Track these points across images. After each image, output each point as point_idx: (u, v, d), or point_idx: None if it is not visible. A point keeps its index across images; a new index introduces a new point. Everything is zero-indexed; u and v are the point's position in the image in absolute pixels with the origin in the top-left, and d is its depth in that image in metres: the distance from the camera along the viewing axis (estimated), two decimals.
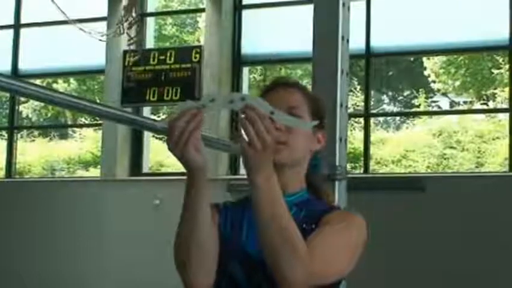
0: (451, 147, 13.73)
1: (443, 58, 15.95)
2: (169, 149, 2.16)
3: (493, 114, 14.31)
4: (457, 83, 16.73)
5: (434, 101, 17.40)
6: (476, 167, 13.38)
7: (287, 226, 2.13)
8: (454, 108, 17.72)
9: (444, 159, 13.67)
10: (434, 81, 16.95)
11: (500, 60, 15.23)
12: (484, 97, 15.96)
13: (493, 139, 13.64)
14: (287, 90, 2.46)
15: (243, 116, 2.08)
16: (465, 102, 17.32)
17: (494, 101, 15.15)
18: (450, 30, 8.85)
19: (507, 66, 10.01)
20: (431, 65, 16.89)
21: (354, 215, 2.40)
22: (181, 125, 2.09)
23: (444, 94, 17.74)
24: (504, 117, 11.19)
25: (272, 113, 2.09)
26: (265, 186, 2.12)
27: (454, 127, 14.03)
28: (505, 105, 11.15)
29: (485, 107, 15.34)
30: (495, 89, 15.16)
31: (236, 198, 2.60)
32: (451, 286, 8.18)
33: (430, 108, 16.43)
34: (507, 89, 9.55)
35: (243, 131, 2.08)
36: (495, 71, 15.73)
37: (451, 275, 8.11)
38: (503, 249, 8.03)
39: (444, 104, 17.84)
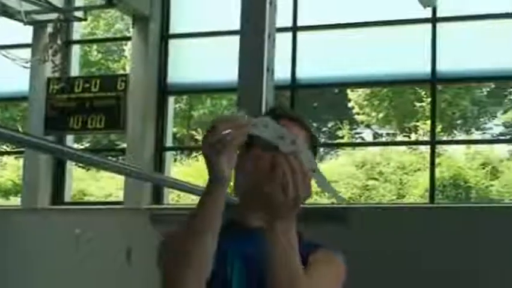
0: (374, 178, 13.90)
1: (367, 90, 16.18)
2: (205, 147, 2.02)
3: (414, 146, 14.55)
4: (380, 115, 16.98)
5: (358, 133, 17.62)
6: (398, 198, 13.56)
7: (297, 277, 2.06)
8: (376, 140, 17.95)
9: (367, 190, 13.82)
10: (358, 113, 17.17)
11: (423, 94, 15.51)
12: (406, 129, 16.22)
13: (414, 171, 13.87)
14: (292, 124, 2.31)
15: (283, 159, 2.01)
16: (388, 134, 17.58)
17: (416, 133, 15.40)
18: (374, 63, 8.97)
19: (429, 100, 10.18)
20: (355, 97, 17.12)
21: (337, 258, 2.35)
22: (225, 128, 1.98)
23: (368, 126, 17.97)
24: (425, 149, 11.39)
25: (314, 171, 2.03)
26: (285, 237, 2.06)
27: (376, 158, 14.22)
28: (426, 138, 11.34)
29: (407, 139, 15.58)
30: (417, 121, 15.42)
31: None
32: None
33: (354, 140, 16.62)
34: (429, 122, 9.72)
35: (279, 173, 2.01)
36: (417, 104, 16.01)
37: None
38: (424, 281, 8.12)
39: (368, 135, 18.07)
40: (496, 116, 20.94)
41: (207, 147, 2.01)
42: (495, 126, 20.76)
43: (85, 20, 10.26)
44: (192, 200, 11.08)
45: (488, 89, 20.19)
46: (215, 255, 2.15)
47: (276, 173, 2.06)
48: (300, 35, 9.13)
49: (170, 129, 9.91)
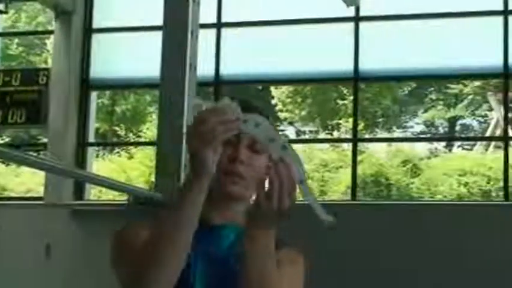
0: None
1: (290, 88, 16.27)
2: (191, 139, 1.92)
3: (337, 144, 14.69)
4: (303, 113, 17.10)
5: (281, 130, 17.71)
6: (320, 195, 13.67)
7: (270, 284, 2.01)
8: (299, 137, 18.07)
9: None
10: (281, 110, 17.27)
11: (345, 92, 15.67)
12: (329, 127, 16.37)
13: (337, 168, 14.00)
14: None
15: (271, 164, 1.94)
16: (310, 132, 17.72)
17: (338, 130, 15.56)
18: (297, 61, 9.02)
19: (351, 98, 10.29)
20: (279, 94, 17.21)
21: (300, 256, 2.29)
22: (216, 121, 1.89)
23: (291, 123, 18.09)
24: (347, 146, 11.50)
25: (301, 182, 1.94)
26: (263, 242, 1.99)
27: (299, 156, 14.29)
28: (349, 135, 11.46)
29: (329, 136, 15.72)
30: (339, 119, 15.58)
31: None
32: None
33: None
34: (351, 120, 9.82)
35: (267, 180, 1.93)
36: (340, 102, 16.17)
37: None
38: (347, 279, 8.20)
39: (291, 132, 18.18)
40: (416, 115, 21.29)
41: (194, 139, 1.91)
42: (416, 125, 21.12)
43: (6, 12, 10.08)
44: (114, 195, 10.99)
45: (410, 88, 20.51)
46: None
47: (235, 167, 2.05)
48: (224, 31, 9.13)
49: (93, 124, 9.80)
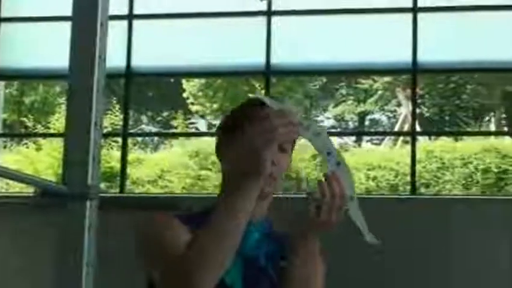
0: (207, 169, 13.98)
1: (202, 81, 16.25)
2: (253, 137, 1.89)
3: None
4: (215, 106, 17.10)
5: (192, 123, 17.69)
6: None
7: None
8: (211, 130, 18.07)
9: (200, 180, 13.89)
10: (192, 103, 17.23)
11: (257, 85, 15.73)
12: None
13: None
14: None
15: (324, 179, 1.92)
16: None
17: None
18: (209, 54, 9.01)
19: (263, 92, 10.32)
20: (190, 87, 17.17)
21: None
22: (280, 123, 1.87)
23: (202, 116, 18.07)
24: None
25: (351, 199, 1.93)
26: (308, 250, 2.04)
27: (210, 149, 14.30)
28: None
29: None
30: None
31: (187, 213, 2.29)
32: None
33: (188, 130, 16.67)
34: None
35: (318, 190, 1.92)
36: (251, 96, 16.22)
37: None
38: None
39: (202, 126, 18.17)
40: (327, 109, 21.52)
41: (256, 137, 1.88)
42: (326, 119, 21.34)
43: None
44: (21, 188, 10.81)
45: (321, 83, 20.72)
46: None
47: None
48: (136, 23, 9.05)
49: (0, 115, 9.62)
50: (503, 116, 19.47)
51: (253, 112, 2.12)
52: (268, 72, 8.93)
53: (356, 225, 1.94)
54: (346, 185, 1.92)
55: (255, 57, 8.88)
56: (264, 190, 2.04)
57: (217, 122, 17.97)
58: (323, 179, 1.95)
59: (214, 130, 17.68)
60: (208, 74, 10.37)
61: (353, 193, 1.93)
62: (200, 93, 17.09)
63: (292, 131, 1.89)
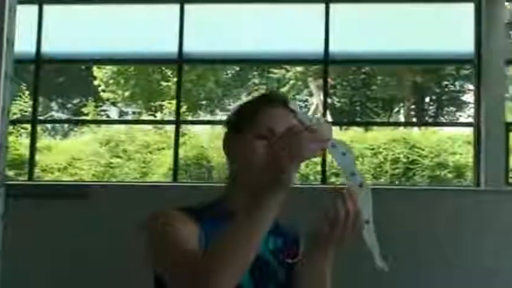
0: (118, 157, 13.87)
1: (114, 68, 16.09)
2: (280, 149, 1.84)
3: (159, 126, 14.65)
4: (126, 94, 16.95)
5: (103, 110, 17.48)
6: (142, 176, 13.62)
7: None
8: (122, 118, 17.92)
9: (111, 168, 13.77)
10: (104, 91, 17.04)
11: (169, 73, 15.65)
12: (152, 108, 16.30)
13: (159, 149, 13.98)
14: (287, 112, 2.16)
15: (344, 192, 1.91)
16: (133, 113, 17.59)
17: (161, 112, 15.52)
18: (121, 41, 8.93)
19: (175, 80, 10.28)
20: (102, 74, 16.98)
21: None
22: (309, 138, 1.83)
23: (114, 104, 17.88)
24: (170, 128, 11.49)
25: (367, 223, 1.91)
26: (318, 265, 2.06)
27: (121, 137, 14.19)
28: (172, 117, 11.45)
29: (152, 118, 15.68)
30: (163, 100, 15.54)
31: (190, 207, 2.28)
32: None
33: (99, 117, 16.48)
34: (174, 102, 9.82)
35: (338, 202, 1.91)
36: (164, 84, 16.13)
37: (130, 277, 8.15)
38: None
39: (113, 113, 17.98)
40: (240, 98, 21.53)
41: (285, 151, 1.83)
42: None
43: None
44: None
45: (233, 72, 20.73)
46: (202, 239, 2.07)
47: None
48: (47, 8, 8.91)
49: None
50: (412, 107, 19.81)
51: (267, 110, 2.12)
52: (180, 60, 8.89)
53: (369, 249, 1.94)
54: (365, 208, 1.92)
55: (167, 45, 8.84)
56: None
57: (129, 110, 17.84)
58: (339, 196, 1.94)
59: (125, 118, 17.57)
60: (120, 61, 10.27)
61: (370, 217, 1.92)
62: (112, 81, 16.92)
63: (320, 148, 1.86)
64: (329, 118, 10.46)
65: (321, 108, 14.43)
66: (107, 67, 15.86)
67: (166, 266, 2.00)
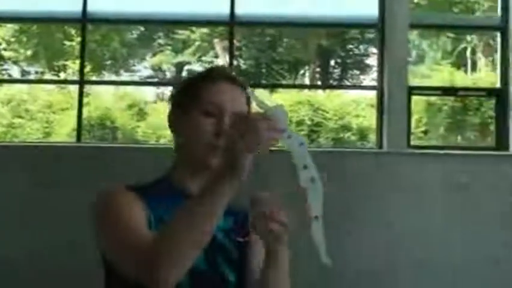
0: (20, 117, 13.63)
1: (16, 27, 15.75)
2: (236, 138, 1.81)
3: (63, 86, 14.45)
4: (29, 53, 16.62)
5: (5, 69, 17.11)
6: (45, 136, 13.42)
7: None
8: (24, 77, 17.58)
9: (13, 128, 13.53)
10: (5, 49, 16.67)
11: (73, 33, 15.40)
12: (55, 68, 16.04)
13: (62, 110, 13.79)
14: (234, 88, 2.16)
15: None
16: (36, 72, 17.28)
17: (65, 72, 15.29)
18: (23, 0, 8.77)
19: (79, 39, 10.14)
20: (3, 32, 16.59)
21: None
22: (266, 127, 1.81)
23: (15, 62, 17.52)
24: (74, 88, 11.34)
25: (316, 218, 1.90)
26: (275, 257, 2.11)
27: (23, 96, 13.94)
28: (76, 77, 11.30)
29: (56, 77, 15.43)
30: (66, 60, 15.30)
31: (136, 185, 2.21)
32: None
33: (0, 76, 16.13)
34: (78, 61, 9.69)
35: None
36: (67, 43, 15.87)
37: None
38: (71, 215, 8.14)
39: (15, 72, 17.62)
40: (144, 59, 21.36)
41: (241, 140, 1.81)
42: (143, 69, 21.19)
43: None
44: None
45: (138, 32, 20.53)
46: (151, 218, 2.05)
47: (220, 142, 1.98)
48: None
49: None
50: (317, 70, 20.00)
51: (211, 86, 2.12)
52: (84, 20, 8.77)
53: (316, 244, 1.94)
54: (314, 204, 1.90)
55: (71, 4, 8.71)
56: (209, 162, 2.03)
57: (31, 69, 17.50)
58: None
59: (28, 77, 17.24)
60: (23, 19, 10.07)
61: (320, 213, 1.90)
62: (13, 39, 16.55)
63: (275, 138, 1.84)
64: None
65: None
66: (9, 25, 15.47)
67: (115, 251, 2.00)
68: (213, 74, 2.20)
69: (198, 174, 2.13)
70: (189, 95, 2.16)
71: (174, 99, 2.22)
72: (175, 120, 2.19)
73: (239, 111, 2.10)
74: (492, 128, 10.93)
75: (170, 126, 2.22)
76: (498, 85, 10.43)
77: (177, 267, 1.83)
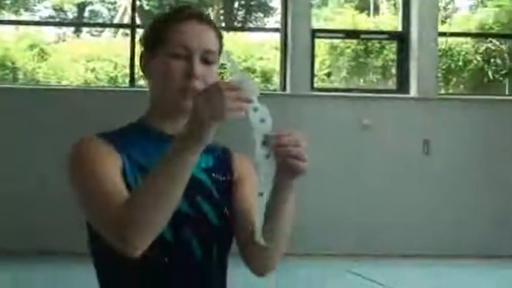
0: None
1: None
2: (203, 103, 1.77)
3: None
4: None
5: None
6: None
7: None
8: None
9: None
10: None
11: None
12: None
13: None
14: (202, 27, 2.07)
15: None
16: None
17: None
18: None
19: None
20: None
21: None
22: (231, 96, 1.75)
23: None
24: None
25: (261, 195, 1.85)
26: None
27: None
28: None
29: None
30: None
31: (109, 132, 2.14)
32: None
33: None
34: None
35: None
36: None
37: None
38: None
39: None
40: None
41: (206, 106, 1.77)
42: (44, 9, 20.76)
43: None
44: None
45: None
46: (126, 165, 2.01)
47: (191, 84, 1.95)
48: None
49: None
50: (221, 12, 19.95)
51: (177, 27, 2.06)
52: None
53: (255, 221, 1.92)
54: (264, 180, 1.86)
55: None
56: (181, 104, 2.01)
57: None
58: None
59: None
60: None
61: (266, 190, 1.87)
62: None
63: (240, 108, 1.79)
64: (138, 21, 10.36)
65: (129, 10, 14.24)
66: None
67: (87, 207, 1.99)
68: (178, 14, 2.13)
69: (171, 117, 2.12)
70: (156, 38, 2.10)
71: (142, 42, 2.19)
72: (145, 64, 2.16)
73: (209, 49, 2.07)
74: (394, 70, 11.14)
75: (141, 68, 2.19)
76: (400, 29, 10.60)
77: (144, 232, 1.85)
